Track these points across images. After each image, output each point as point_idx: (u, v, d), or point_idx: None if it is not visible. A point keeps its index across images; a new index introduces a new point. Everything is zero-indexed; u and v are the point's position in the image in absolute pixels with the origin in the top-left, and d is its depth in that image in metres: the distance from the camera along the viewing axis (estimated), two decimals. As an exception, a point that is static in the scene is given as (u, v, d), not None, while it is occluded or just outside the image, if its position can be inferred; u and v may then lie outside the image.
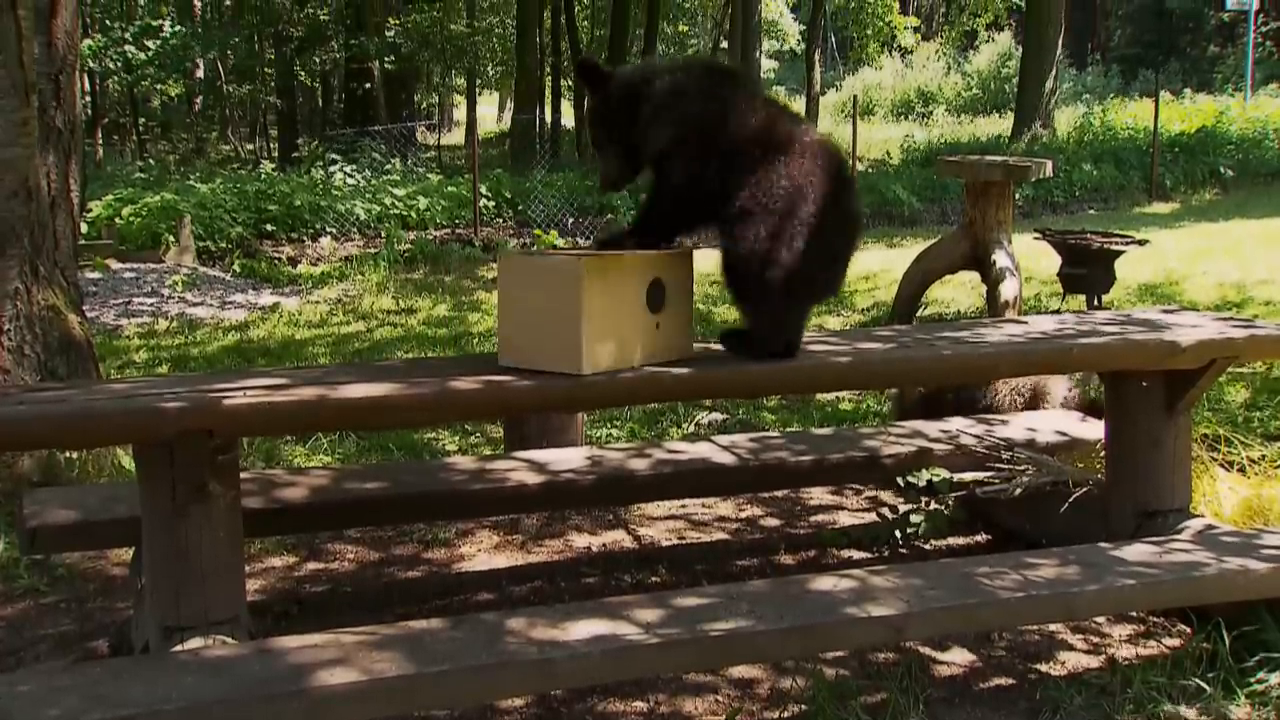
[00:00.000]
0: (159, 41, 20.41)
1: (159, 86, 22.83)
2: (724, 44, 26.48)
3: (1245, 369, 6.06)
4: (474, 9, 28.12)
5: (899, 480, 4.34)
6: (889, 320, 7.19)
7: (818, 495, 4.66)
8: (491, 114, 36.96)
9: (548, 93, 26.02)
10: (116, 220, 12.52)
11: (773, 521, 4.41)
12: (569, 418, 4.68)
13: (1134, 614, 3.43)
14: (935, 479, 4.14)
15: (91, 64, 19.59)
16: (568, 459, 3.96)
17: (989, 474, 4.01)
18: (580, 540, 4.22)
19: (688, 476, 3.93)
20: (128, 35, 20.43)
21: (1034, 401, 4.75)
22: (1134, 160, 18.00)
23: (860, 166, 18.23)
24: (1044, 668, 3.21)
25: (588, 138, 3.02)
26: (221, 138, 27.64)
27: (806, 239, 2.84)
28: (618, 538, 4.25)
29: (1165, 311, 3.80)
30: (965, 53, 35.15)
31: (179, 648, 2.70)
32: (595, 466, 3.90)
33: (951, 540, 4.14)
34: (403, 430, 5.39)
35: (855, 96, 20.76)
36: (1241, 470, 4.05)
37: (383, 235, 13.44)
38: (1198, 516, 3.53)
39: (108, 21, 22.44)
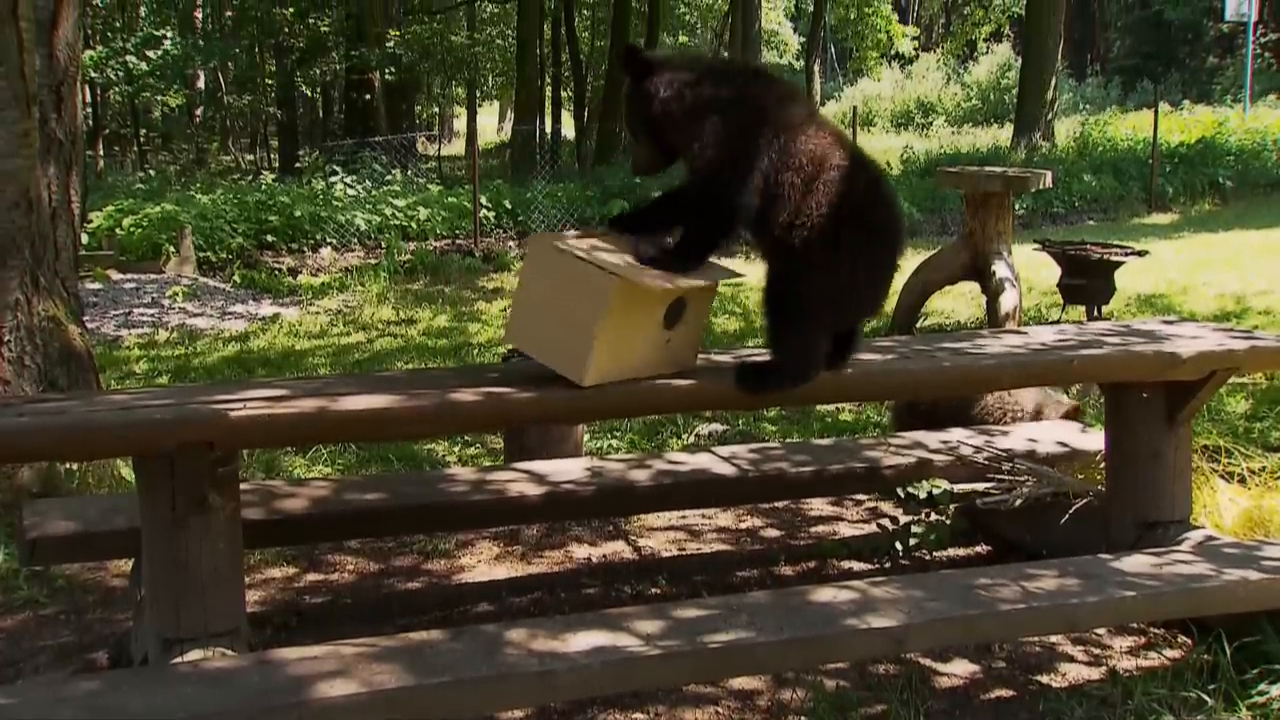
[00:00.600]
0: (160, 52, 20.42)
1: (160, 97, 22.82)
2: (724, 55, 26.54)
3: (1246, 379, 6.06)
4: (474, 20, 28.19)
5: (899, 491, 4.34)
6: (889, 331, 7.20)
7: (818, 506, 4.65)
8: (492, 124, 36.99)
9: (548, 103, 26.07)
10: (117, 231, 12.54)
11: (773, 532, 4.41)
12: (569, 429, 4.67)
13: (1135, 625, 3.43)
14: (935, 490, 4.15)
15: (93, 75, 19.62)
16: (568, 470, 3.96)
17: (989, 485, 4.01)
18: (580, 551, 4.22)
19: (688, 487, 3.93)
20: (129, 46, 20.44)
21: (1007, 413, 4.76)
22: (1133, 171, 18.01)
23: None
24: (1045, 679, 3.21)
25: (623, 127, 2.95)
26: (222, 148, 27.65)
27: (852, 264, 2.81)
28: (618, 549, 4.25)
29: (1165, 322, 3.80)
30: (965, 64, 35.21)
31: (178, 659, 2.70)
32: (595, 477, 3.90)
33: (952, 551, 4.13)
34: (403, 441, 5.39)
35: (855, 107, 20.81)
36: (1242, 481, 4.05)
37: (383, 246, 13.46)
38: (1198, 528, 3.53)
39: (109, 33, 22.48)
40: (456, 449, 5.52)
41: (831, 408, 6.06)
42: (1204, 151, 18.74)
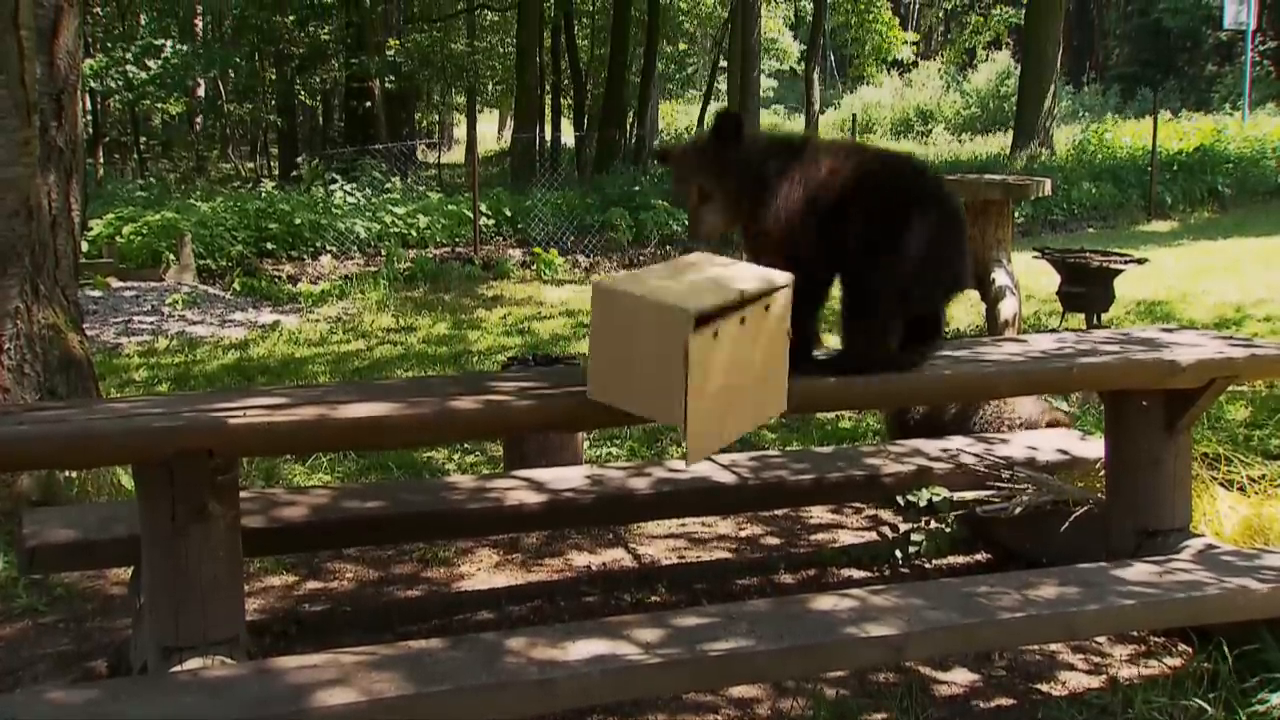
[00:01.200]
0: (160, 61, 20.44)
1: (160, 105, 22.84)
2: (723, 63, 26.54)
3: (1245, 387, 6.06)
4: (474, 28, 28.23)
5: (899, 499, 4.33)
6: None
7: (818, 514, 4.65)
8: (491, 132, 37.01)
9: (548, 111, 26.09)
10: (117, 239, 12.54)
11: (773, 540, 4.40)
12: (569, 436, 4.68)
13: (1135, 634, 3.42)
14: (935, 498, 4.14)
15: (93, 83, 19.65)
16: (567, 478, 3.96)
17: (989, 493, 4.01)
18: (580, 559, 4.21)
19: (688, 495, 3.93)
20: (129, 55, 20.47)
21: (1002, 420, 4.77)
22: (1133, 179, 18.03)
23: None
24: (1045, 688, 3.20)
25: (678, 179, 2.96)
26: (222, 156, 27.69)
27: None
28: (618, 556, 4.24)
29: (1165, 330, 3.80)
30: (964, 71, 35.27)
31: (178, 668, 2.69)
32: (595, 485, 3.90)
33: (952, 559, 4.13)
34: (403, 449, 5.39)
35: (855, 115, 20.87)
36: (1242, 489, 4.05)
37: (383, 253, 13.47)
38: (1198, 536, 3.53)
39: (109, 41, 22.50)
40: (456, 457, 5.52)
41: (831, 415, 6.06)
42: (1203, 159, 18.77)
